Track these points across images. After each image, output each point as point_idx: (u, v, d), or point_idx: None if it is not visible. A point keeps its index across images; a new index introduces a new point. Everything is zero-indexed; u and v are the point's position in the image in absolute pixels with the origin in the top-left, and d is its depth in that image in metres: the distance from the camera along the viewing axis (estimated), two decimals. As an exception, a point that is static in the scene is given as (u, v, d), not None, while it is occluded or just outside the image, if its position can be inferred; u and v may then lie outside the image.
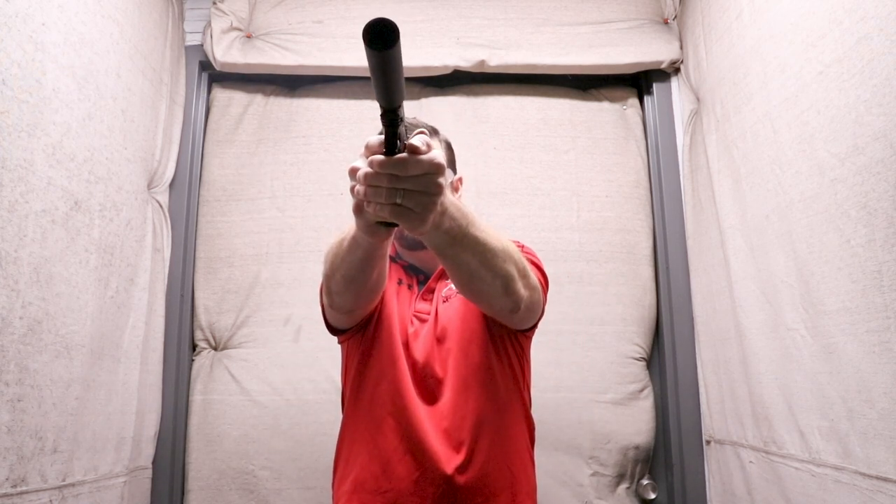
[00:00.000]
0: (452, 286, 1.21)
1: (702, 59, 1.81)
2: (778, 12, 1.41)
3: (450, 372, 1.13)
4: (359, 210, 0.78)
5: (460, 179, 1.29)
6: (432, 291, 1.24)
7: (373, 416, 1.13)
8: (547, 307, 2.03)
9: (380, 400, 1.13)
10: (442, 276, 1.25)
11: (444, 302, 1.21)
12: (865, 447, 1.13)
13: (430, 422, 1.10)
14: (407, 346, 1.16)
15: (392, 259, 1.27)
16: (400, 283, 1.25)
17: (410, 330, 1.18)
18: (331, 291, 1.06)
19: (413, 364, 1.14)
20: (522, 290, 1.00)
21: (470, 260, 0.90)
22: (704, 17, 1.79)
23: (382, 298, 1.18)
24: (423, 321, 1.19)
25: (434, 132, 1.21)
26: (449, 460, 1.07)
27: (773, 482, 1.42)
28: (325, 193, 1.93)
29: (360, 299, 1.07)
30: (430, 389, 1.13)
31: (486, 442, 1.10)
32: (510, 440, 1.14)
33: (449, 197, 0.80)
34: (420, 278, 1.27)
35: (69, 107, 1.33)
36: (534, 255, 1.19)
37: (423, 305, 1.22)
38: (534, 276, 1.06)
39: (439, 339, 1.16)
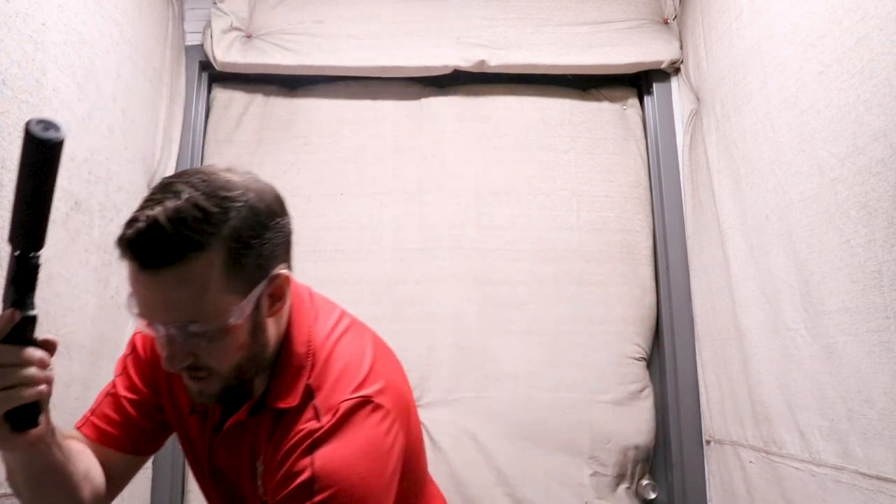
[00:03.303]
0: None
1: (702, 59, 1.81)
2: (778, 12, 1.40)
3: None
4: None
5: (286, 278, 0.83)
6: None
7: None
8: (547, 308, 2.01)
9: None
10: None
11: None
12: (865, 447, 1.13)
13: None
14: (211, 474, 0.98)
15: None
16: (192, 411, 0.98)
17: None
18: None
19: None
20: None
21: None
22: (704, 17, 1.79)
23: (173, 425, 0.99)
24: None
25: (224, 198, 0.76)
26: None
27: (773, 482, 1.42)
28: (325, 193, 1.93)
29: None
30: None
31: None
32: None
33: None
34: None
35: (69, 107, 1.33)
36: None
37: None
38: None
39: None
